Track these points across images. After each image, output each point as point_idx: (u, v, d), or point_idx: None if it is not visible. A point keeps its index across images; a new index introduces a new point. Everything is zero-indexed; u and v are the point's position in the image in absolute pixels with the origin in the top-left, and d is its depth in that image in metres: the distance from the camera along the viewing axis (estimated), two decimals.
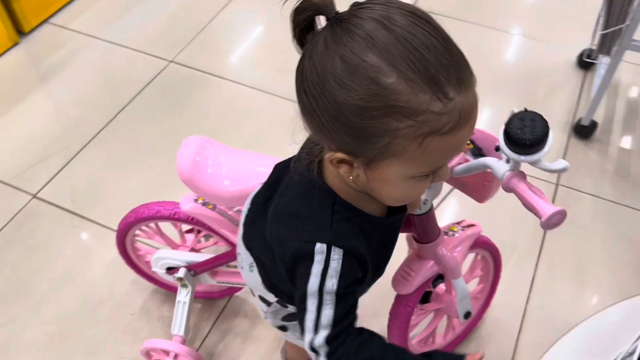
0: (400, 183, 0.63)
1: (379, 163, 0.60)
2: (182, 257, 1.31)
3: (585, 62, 2.05)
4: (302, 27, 0.61)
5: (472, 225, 1.16)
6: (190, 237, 1.38)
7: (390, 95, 0.54)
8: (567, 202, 1.71)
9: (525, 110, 0.78)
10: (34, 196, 1.72)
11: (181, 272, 1.29)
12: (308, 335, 0.70)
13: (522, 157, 0.77)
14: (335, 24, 0.58)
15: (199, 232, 1.36)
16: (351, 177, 0.64)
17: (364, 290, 0.85)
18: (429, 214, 1.03)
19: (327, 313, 0.69)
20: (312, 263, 0.67)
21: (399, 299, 1.17)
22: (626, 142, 1.89)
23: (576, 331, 1.33)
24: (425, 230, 1.05)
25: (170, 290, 1.46)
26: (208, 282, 1.35)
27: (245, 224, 0.90)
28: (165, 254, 1.32)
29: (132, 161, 1.82)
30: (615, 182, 1.78)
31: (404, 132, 0.56)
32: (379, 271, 0.81)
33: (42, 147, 1.85)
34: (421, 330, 1.32)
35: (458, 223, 1.16)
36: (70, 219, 1.66)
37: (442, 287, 1.23)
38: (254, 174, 1.04)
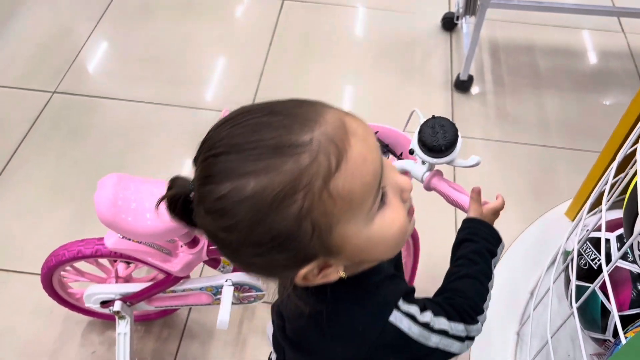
0: (372, 231, 0.56)
1: (333, 243, 0.54)
2: (115, 289, 1.29)
3: (449, 25, 2.28)
4: (184, 215, 0.58)
5: None
6: (119, 267, 1.35)
7: (264, 196, 0.50)
8: (463, 150, 1.91)
9: (433, 117, 0.87)
10: None
11: (117, 306, 1.27)
12: (461, 347, 0.70)
13: (439, 160, 0.87)
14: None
15: (128, 263, 1.34)
16: (343, 274, 0.58)
17: None
18: None
19: (443, 322, 0.68)
20: (402, 331, 0.64)
21: None
22: (499, 88, 2.15)
23: (504, 261, 1.53)
24: None
25: (109, 320, 1.44)
26: (145, 309, 1.34)
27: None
28: (97, 289, 1.29)
29: (42, 203, 1.72)
30: (498, 124, 2.02)
31: (308, 203, 0.50)
32: None
33: None
34: None
35: None
36: None
37: None
38: None
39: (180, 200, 0.57)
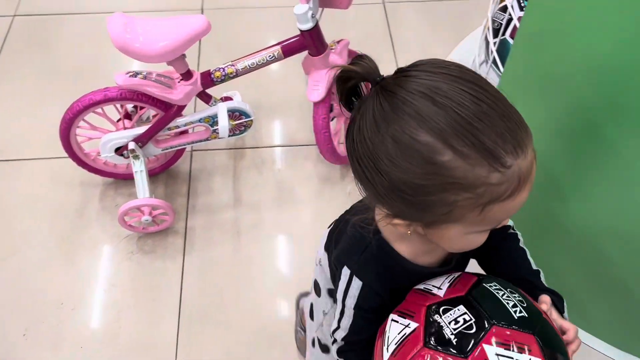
0: (460, 238, 0.62)
1: (439, 225, 0.61)
2: (126, 134, 1.51)
3: None
4: (348, 93, 0.62)
5: (343, 39, 1.54)
6: (126, 122, 1.55)
7: (447, 172, 0.53)
8: None
9: None
10: None
11: (131, 145, 1.50)
12: (334, 324, 0.80)
13: None
14: (381, 95, 0.56)
15: (129, 118, 1.55)
16: (409, 232, 0.64)
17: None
18: (317, 28, 1.39)
19: (346, 321, 0.77)
20: (340, 278, 0.75)
21: (315, 110, 1.52)
22: None
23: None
24: (317, 44, 1.42)
25: (122, 178, 1.68)
26: (155, 152, 1.57)
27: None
28: (111, 136, 1.50)
29: (33, 104, 1.90)
30: None
31: (463, 203, 0.55)
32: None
33: None
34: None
35: (333, 41, 1.51)
36: (10, 165, 1.75)
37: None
38: (177, 30, 1.30)
39: (354, 82, 0.60)
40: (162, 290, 1.51)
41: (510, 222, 0.83)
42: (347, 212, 0.85)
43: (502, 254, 0.81)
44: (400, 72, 0.58)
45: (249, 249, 1.59)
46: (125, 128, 1.56)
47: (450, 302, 0.66)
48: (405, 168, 0.54)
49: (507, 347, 0.61)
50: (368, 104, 0.57)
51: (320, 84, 1.47)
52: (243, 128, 1.58)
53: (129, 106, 1.55)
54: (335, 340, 0.81)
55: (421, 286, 0.72)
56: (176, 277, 1.53)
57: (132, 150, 1.51)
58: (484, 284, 0.68)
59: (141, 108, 1.57)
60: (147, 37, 1.29)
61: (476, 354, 0.61)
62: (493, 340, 0.61)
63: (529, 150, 0.56)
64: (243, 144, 1.82)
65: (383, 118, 0.55)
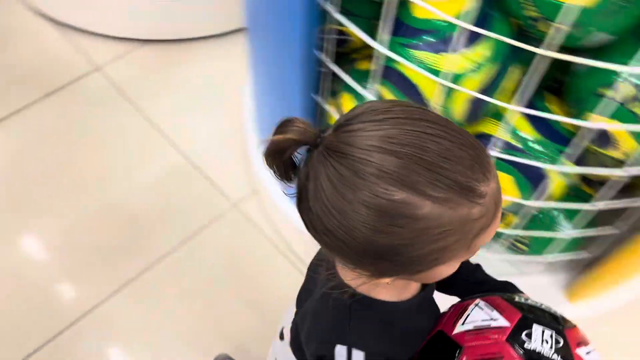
0: (447, 271, 0.59)
1: (428, 270, 0.57)
2: None
3: None
4: (286, 166, 0.54)
5: None
6: None
7: (432, 223, 0.50)
8: None
9: None
10: None
11: None
12: None
13: None
14: (331, 158, 0.51)
15: None
16: (388, 282, 0.59)
17: None
18: None
19: None
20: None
21: None
22: None
23: None
24: None
25: None
26: None
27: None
28: None
29: None
30: None
31: (453, 246, 0.53)
32: (414, 349, 0.72)
33: None
34: None
35: None
36: None
37: None
38: None
39: (290, 153, 0.53)
40: None
41: None
42: (307, 281, 0.79)
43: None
44: (340, 127, 0.52)
45: None
46: None
47: (521, 326, 0.63)
48: (389, 232, 0.50)
49: (585, 344, 0.64)
50: (319, 171, 0.51)
51: None
52: None
53: None
54: None
55: (470, 326, 0.66)
56: None
57: None
58: (516, 300, 0.68)
59: None
60: None
61: None
62: (574, 342, 0.63)
63: (492, 171, 0.53)
64: None
65: (344, 184, 0.50)
